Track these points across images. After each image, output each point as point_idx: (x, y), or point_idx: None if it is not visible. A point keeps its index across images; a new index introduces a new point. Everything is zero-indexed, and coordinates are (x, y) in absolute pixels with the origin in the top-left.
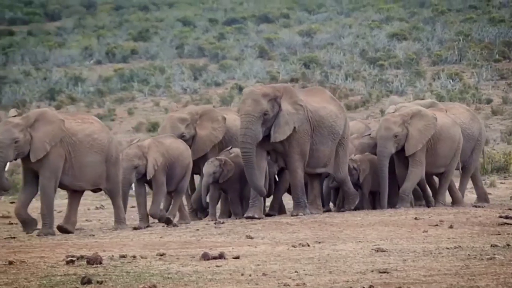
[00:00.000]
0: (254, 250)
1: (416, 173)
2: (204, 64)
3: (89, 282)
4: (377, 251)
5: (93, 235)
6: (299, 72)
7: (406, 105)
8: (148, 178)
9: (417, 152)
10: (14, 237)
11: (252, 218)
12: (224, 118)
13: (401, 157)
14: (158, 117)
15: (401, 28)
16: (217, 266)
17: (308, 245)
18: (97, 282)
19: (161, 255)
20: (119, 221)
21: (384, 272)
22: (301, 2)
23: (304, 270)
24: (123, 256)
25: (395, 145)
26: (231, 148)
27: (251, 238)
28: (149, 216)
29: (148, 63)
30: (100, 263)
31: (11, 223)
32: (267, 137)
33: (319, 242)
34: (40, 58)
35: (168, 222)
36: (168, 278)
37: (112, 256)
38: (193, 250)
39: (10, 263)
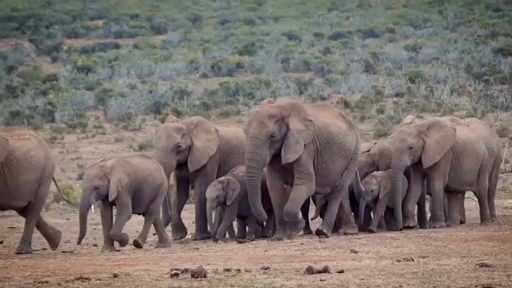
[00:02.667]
0: (358, 264)
1: (440, 190)
2: (310, 78)
3: None
4: (481, 266)
5: (198, 248)
6: (404, 86)
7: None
8: (110, 199)
9: (440, 166)
10: (118, 250)
11: (280, 239)
12: (217, 130)
13: (417, 171)
14: None
15: (506, 43)
16: (321, 280)
17: (413, 260)
18: None
19: (265, 269)
20: (25, 242)
21: (488, 287)
22: (407, 16)
23: (408, 284)
24: (228, 270)
25: (411, 157)
26: (237, 168)
27: (356, 252)
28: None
29: (253, 77)
30: (205, 276)
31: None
32: (277, 156)
33: (424, 257)
34: (145, 71)
35: (136, 245)
36: None
37: (217, 269)
38: (297, 264)
39: (115, 276)
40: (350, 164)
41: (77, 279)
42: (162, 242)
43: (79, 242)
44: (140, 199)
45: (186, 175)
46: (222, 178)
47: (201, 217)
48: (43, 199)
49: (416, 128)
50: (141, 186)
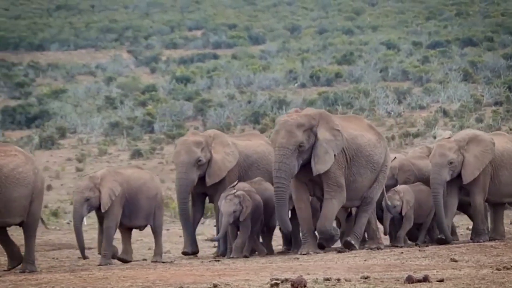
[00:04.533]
0: (458, 273)
1: (481, 204)
2: (408, 87)
3: None
4: None
5: (298, 258)
6: (503, 95)
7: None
8: (103, 210)
9: (480, 180)
10: (218, 260)
11: (307, 254)
12: (234, 144)
13: (453, 185)
14: None
15: None
16: None
17: None
18: None
19: (365, 278)
20: (29, 261)
21: None
22: (505, 25)
23: None
24: (328, 279)
25: (450, 172)
26: (237, 183)
27: (455, 261)
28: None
29: (352, 86)
30: (305, 286)
31: None
32: (304, 167)
33: None
34: (244, 81)
35: (123, 261)
36: None
37: (317, 279)
38: (397, 273)
39: (215, 286)
40: (379, 177)
41: None
42: (157, 255)
43: (83, 256)
44: (136, 210)
45: (203, 189)
46: (238, 192)
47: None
48: (36, 216)
49: (456, 143)
50: (135, 196)
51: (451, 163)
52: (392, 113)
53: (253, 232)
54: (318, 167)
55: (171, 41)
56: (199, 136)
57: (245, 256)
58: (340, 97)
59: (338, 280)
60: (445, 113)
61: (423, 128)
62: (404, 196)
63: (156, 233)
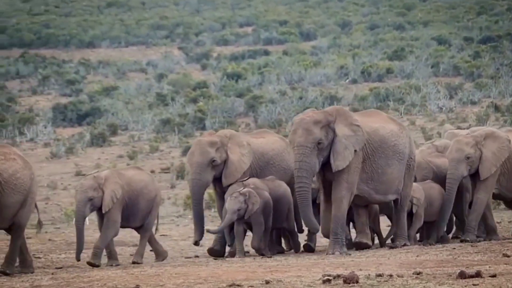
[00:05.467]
0: (511, 268)
1: (483, 201)
2: (460, 83)
3: None
4: None
5: (350, 254)
6: None
7: (456, 133)
8: (104, 211)
9: (489, 178)
10: (270, 257)
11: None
12: (249, 144)
13: (473, 182)
14: (414, 136)
15: None
16: (473, 284)
17: None
18: None
19: (417, 274)
20: (10, 262)
21: None
22: None
23: None
24: (380, 275)
25: (468, 167)
26: (248, 179)
27: (508, 256)
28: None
29: (403, 82)
30: (357, 282)
31: None
32: (324, 165)
33: None
34: (295, 77)
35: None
36: None
37: (369, 275)
38: (449, 269)
39: (267, 282)
40: (408, 171)
41: (229, 286)
42: (160, 256)
43: (77, 258)
44: (135, 212)
45: (218, 191)
46: (244, 190)
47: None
48: (26, 219)
49: (474, 138)
50: (136, 198)
51: (468, 158)
52: (444, 108)
53: (266, 230)
54: (338, 163)
55: (222, 37)
56: (215, 137)
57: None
58: (391, 92)
59: (390, 276)
60: (496, 108)
61: (475, 124)
62: (414, 194)
63: (143, 234)
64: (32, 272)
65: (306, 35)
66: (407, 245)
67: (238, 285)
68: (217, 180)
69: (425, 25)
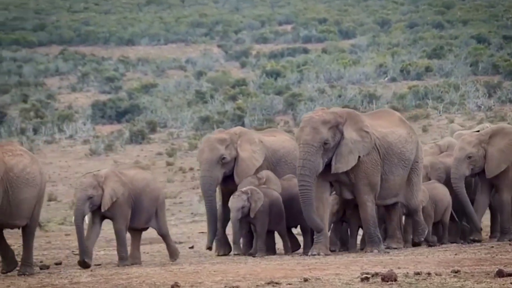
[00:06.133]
0: None
1: (509, 201)
2: (499, 82)
3: None
4: None
5: (388, 252)
6: None
7: (463, 133)
8: (102, 210)
9: (508, 176)
10: (314, 254)
11: (317, 255)
12: (261, 141)
13: (484, 182)
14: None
15: None
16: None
17: None
18: None
19: (455, 272)
20: (27, 264)
21: None
22: None
23: None
24: (418, 273)
25: (470, 166)
26: (263, 172)
27: None
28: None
29: (442, 80)
30: (395, 280)
31: None
32: (329, 166)
33: None
34: (334, 75)
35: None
36: None
37: (407, 273)
38: (487, 267)
39: (305, 280)
40: (413, 176)
41: (268, 283)
42: (175, 254)
43: (81, 257)
44: (139, 212)
45: (232, 188)
46: (246, 188)
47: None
48: (37, 218)
49: (477, 137)
50: (139, 197)
51: (469, 157)
52: (482, 107)
53: (280, 230)
54: (338, 166)
55: (261, 35)
56: (224, 134)
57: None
58: (430, 91)
59: (429, 274)
60: None
61: None
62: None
63: (164, 236)
64: (16, 268)
65: (345, 33)
66: (400, 248)
67: (276, 283)
68: (226, 179)
69: (464, 24)
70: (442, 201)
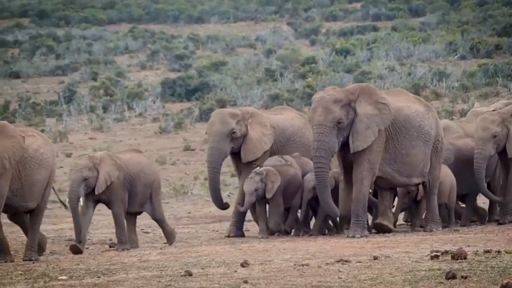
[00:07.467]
0: None
1: None
2: None
3: (453, 277)
4: None
5: (458, 230)
6: None
7: (478, 111)
8: (96, 192)
9: None
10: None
11: (353, 237)
12: (272, 127)
13: (502, 161)
14: None
15: None
16: None
17: None
18: (462, 277)
19: None
20: (32, 248)
21: None
22: None
23: None
24: (488, 251)
25: (495, 146)
26: (257, 166)
27: None
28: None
29: None
30: (465, 258)
31: None
32: (344, 146)
33: None
34: (404, 53)
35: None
36: None
37: (477, 251)
38: None
39: (375, 258)
40: (436, 153)
41: (337, 261)
42: (171, 237)
43: (77, 239)
44: (133, 196)
45: (242, 166)
46: (260, 169)
47: (238, 214)
48: (46, 201)
49: (500, 115)
50: (134, 182)
51: (495, 136)
52: None
53: (293, 208)
54: (357, 144)
55: (331, 13)
56: (237, 110)
57: (286, 231)
58: (500, 69)
59: (499, 252)
60: None
61: None
62: None
63: (158, 220)
64: (12, 261)
65: (415, 11)
66: (439, 230)
67: (346, 261)
68: (237, 156)
69: None
70: (444, 184)
